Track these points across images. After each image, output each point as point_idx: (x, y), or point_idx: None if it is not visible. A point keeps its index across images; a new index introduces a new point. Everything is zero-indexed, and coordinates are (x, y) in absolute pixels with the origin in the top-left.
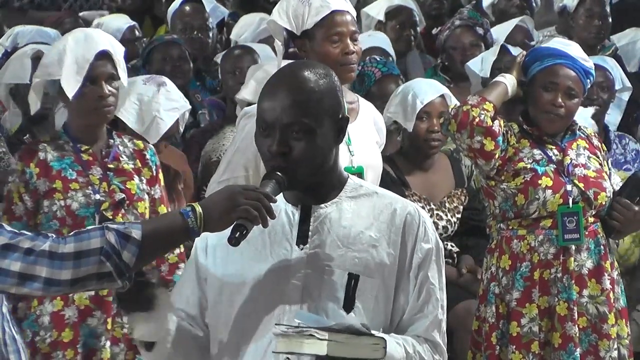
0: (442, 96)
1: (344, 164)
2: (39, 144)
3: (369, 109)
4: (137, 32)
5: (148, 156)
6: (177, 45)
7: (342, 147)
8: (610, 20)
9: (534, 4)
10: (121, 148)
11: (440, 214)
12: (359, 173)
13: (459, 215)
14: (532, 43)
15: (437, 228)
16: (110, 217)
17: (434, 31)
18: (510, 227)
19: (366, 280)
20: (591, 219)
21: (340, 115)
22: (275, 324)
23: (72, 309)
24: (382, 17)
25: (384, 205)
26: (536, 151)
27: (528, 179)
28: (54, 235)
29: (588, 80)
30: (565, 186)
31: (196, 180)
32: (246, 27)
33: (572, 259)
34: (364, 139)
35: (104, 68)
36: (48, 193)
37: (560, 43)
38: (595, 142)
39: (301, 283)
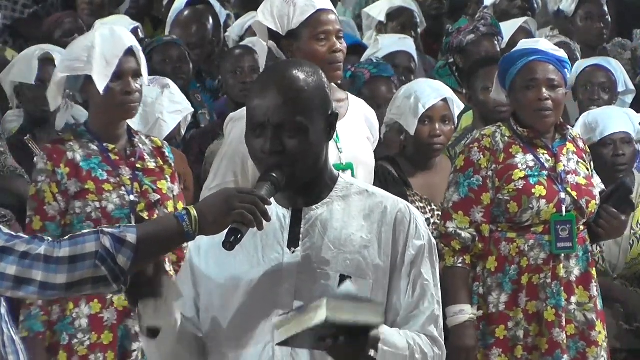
0: (445, 99)
1: (332, 161)
2: (64, 143)
3: (359, 105)
4: (140, 34)
5: (167, 153)
6: (176, 46)
7: (330, 144)
8: (609, 19)
9: (535, 5)
10: (142, 146)
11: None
12: (349, 169)
13: None
14: None
15: (437, 229)
16: (146, 218)
17: (450, 29)
18: (500, 229)
19: (358, 282)
20: (582, 227)
21: (329, 112)
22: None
23: (110, 311)
24: (383, 18)
25: (375, 204)
26: (529, 157)
27: (520, 187)
28: (50, 239)
29: (566, 70)
30: (559, 195)
31: (199, 180)
32: (242, 25)
33: (562, 265)
34: (353, 135)
35: (130, 64)
36: (79, 194)
37: (528, 42)
38: (581, 144)
39: (293, 286)
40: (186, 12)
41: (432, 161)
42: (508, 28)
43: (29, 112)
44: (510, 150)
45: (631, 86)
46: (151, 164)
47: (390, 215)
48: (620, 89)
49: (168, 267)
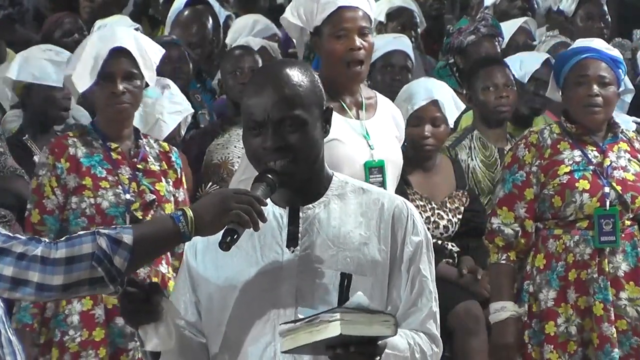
0: (435, 101)
1: (364, 158)
2: (67, 139)
3: (387, 104)
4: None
5: (173, 158)
6: (176, 46)
7: (362, 141)
8: (609, 19)
9: (535, 6)
10: (148, 149)
11: (442, 213)
12: (380, 167)
13: (460, 216)
14: (535, 43)
15: (437, 227)
16: (141, 218)
17: (450, 30)
18: (547, 227)
19: (359, 279)
20: (628, 222)
21: (324, 107)
22: (281, 324)
23: (100, 308)
24: (382, 18)
25: (372, 201)
26: (576, 152)
27: (565, 182)
28: (47, 240)
29: (620, 70)
30: (602, 189)
31: (200, 180)
32: (241, 31)
33: (607, 260)
34: (383, 133)
35: (120, 65)
36: (77, 189)
37: (582, 41)
38: (637, 145)
39: (294, 286)
40: (186, 12)
41: (432, 160)
42: (508, 28)
43: (37, 113)
44: (558, 147)
45: (630, 86)
46: (154, 167)
47: (388, 211)
48: (620, 88)
49: (164, 269)
